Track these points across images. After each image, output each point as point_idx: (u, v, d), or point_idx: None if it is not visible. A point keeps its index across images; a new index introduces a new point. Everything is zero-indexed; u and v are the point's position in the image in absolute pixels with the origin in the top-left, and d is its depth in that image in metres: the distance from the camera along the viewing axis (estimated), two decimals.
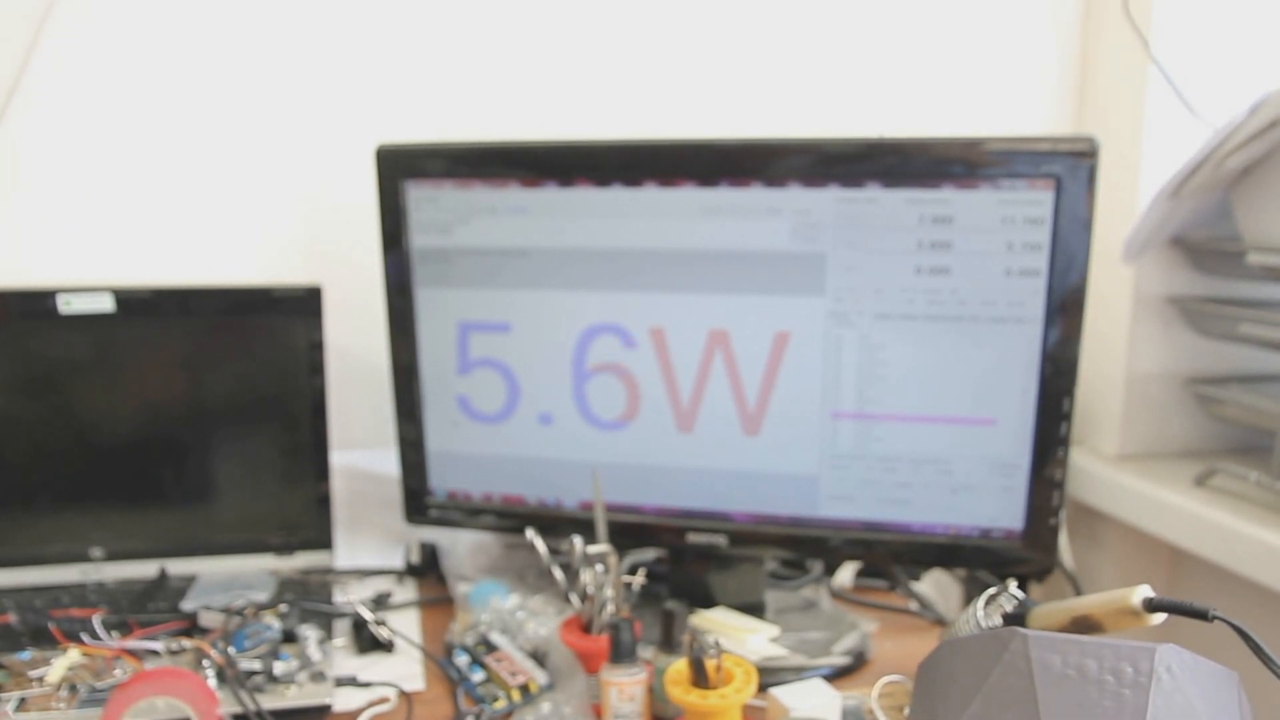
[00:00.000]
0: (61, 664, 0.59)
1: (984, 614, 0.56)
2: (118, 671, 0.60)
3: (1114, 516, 0.84)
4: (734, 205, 0.65)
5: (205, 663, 0.60)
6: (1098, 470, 0.85)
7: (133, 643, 0.63)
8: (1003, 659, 0.42)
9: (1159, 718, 0.39)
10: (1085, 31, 0.91)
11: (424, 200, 0.71)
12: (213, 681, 0.59)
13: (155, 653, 0.62)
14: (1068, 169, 0.60)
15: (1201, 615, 0.46)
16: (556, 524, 0.72)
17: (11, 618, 0.66)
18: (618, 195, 0.67)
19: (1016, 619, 0.54)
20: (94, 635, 0.63)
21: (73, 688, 0.58)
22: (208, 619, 0.66)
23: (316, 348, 0.76)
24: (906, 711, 0.55)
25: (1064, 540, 0.87)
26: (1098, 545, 0.89)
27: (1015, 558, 0.66)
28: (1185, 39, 0.81)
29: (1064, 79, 0.92)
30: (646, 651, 0.62)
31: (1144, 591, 0.48)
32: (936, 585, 0.83)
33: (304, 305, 0.75)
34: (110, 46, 0.80)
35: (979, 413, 0.65)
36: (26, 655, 0.61)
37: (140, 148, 0.82)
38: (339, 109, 0.85)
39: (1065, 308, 0.62)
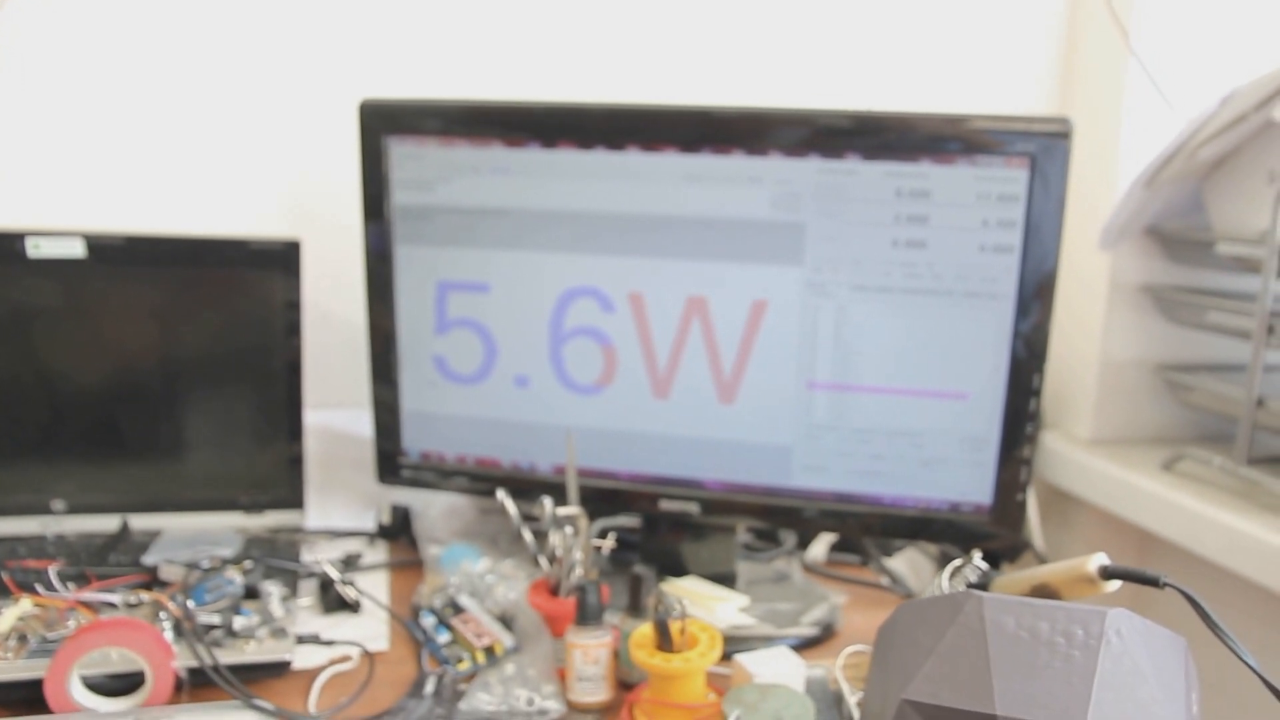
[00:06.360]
0: (12, 613, 0.58)
1: (949, 585, 0.56)
2: (71, 623, 0.58)
3: (1085, 499, 0.85)
4: (715, 172, 0.65)
5: (162, 615, 0.59)
6: (1070, 454, 0.86)
7: (89, 595, 0.61)
8: (957, 620, 0.42)
9: (1107, 679, 0.39)
10: (1069, 24, 0.92)
11: (406, 157, 0.70)
12: (169, 634, 0.58)
13: (112, 605, 0.61)
14: (1043, 148, 0.60)
15: (1153, 582, 0.47)
16: (530, 487, 0.72)
17: None
18: (600, 158, 0.67)
19: (979, 589, 0.54)
20: (49, 586, 0.62)
21: (22, 638, 0.57)
22: (168, 573, 0.65)
23: (293, 304, 0.75)
24: None
25: (1036, 522, 0.87)
26: (1069, 527, 0.90)
27: (983, 533, 0.66)
28: (1164, 33, 0.82)
29: (1048, 70, 0.93)
30: (615, 617, 0.62)
31: (1099, 559, 0.49)
32: (910, 563, 0.83)
33: (282, 259, 0.74)
34: None
35: (951, 387, 0.65)
36: None
37: (118, 93, 0.81)
38: (324, 62, 0.84)
39: (1037, 285, 0.62)
